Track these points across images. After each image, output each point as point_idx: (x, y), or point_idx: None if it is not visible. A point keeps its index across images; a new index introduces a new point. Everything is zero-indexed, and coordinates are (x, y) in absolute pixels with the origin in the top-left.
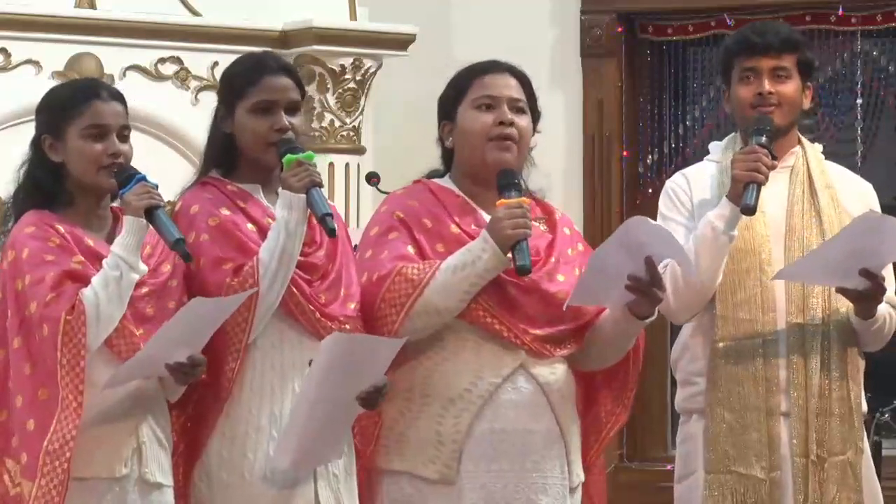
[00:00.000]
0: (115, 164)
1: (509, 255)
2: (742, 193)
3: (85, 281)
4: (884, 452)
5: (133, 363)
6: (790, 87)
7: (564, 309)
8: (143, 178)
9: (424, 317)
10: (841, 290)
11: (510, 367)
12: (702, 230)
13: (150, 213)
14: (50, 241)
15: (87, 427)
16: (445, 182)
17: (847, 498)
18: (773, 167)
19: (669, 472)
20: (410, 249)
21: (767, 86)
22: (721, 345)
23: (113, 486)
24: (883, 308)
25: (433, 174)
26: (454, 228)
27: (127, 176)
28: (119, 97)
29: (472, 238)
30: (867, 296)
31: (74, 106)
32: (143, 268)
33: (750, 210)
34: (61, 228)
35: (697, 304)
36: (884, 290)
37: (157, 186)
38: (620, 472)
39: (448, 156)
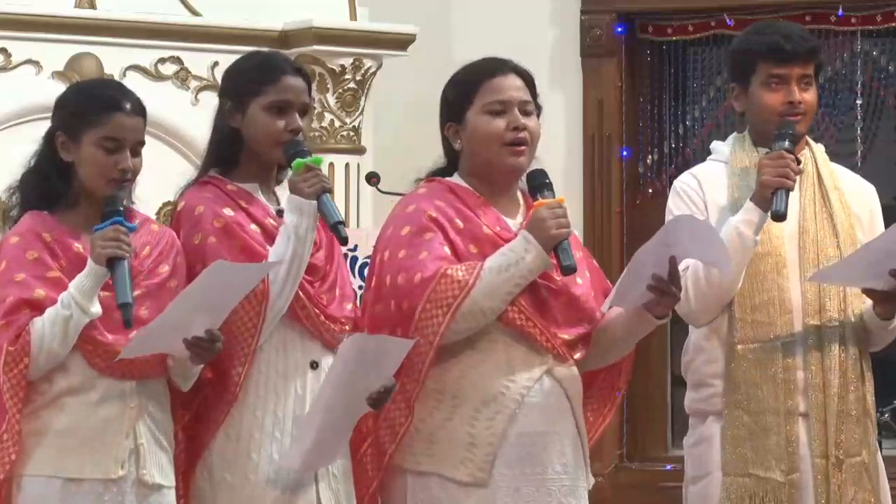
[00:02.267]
0: (122, 179)
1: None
2: (770, 199)
3: (42, 309)
4: (884, 452)
5: (151, 329)
6: (812, 94)
7: (605, 311)
8: (120, 221)
9: (470, 318)
10: (867, 291)
11: (539, 369)
12: (728, 236)
13: (112, 262)
14: (29, 252)
15: (78, 428)
16: (459, 181)
17: (864, 500)
18: (799, 172)
19: (669, 473)
20: (447, 250)
21: (798, 94)
22: (740, 347)
23: (110, 487)
24: None
25: (438, 172)
26: (486, 229)
27: (108, 212)
28: (142, 112)
29: (504, 238)
30: (893, 296)
31: (96, 113)
32: (96, 311)
33: (781, 216)
34: (48, 236)
35: (717, 306)
36: None
37: (133, 230)
38: (620, 472)
39: (453, 156)
